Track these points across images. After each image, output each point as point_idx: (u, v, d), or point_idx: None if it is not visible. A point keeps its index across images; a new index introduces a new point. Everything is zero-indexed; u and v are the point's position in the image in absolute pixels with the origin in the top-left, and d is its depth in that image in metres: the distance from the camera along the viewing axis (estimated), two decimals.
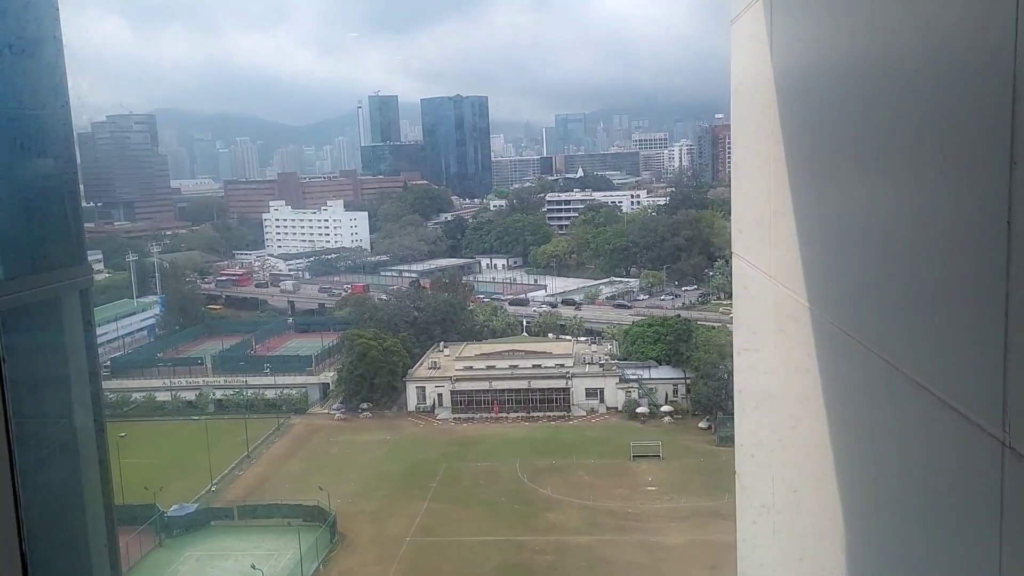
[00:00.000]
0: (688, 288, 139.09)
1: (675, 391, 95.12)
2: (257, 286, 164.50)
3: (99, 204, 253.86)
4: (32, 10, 5.43)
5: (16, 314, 5.57)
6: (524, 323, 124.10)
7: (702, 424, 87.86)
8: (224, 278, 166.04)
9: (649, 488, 74.83)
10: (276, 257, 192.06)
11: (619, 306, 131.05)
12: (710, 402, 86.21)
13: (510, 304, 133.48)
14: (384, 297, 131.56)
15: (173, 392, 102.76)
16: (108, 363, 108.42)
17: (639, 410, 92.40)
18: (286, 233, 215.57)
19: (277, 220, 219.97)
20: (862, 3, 3.07)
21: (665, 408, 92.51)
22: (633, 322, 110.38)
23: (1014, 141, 1.88)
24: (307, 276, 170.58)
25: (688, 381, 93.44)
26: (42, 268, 5.48)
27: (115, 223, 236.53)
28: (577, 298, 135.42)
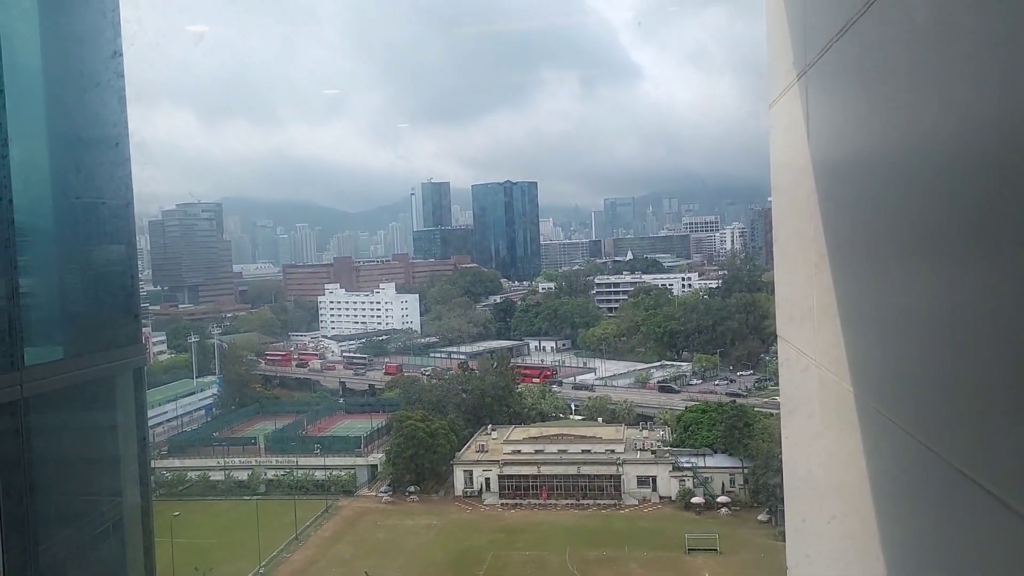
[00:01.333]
0: (743, 373, 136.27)
1: (732, 481, 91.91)
2: (298, 366, 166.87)
3: (166, 288, 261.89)
4: (104, 107, 5.80)
5: (73, 392, 5.76)
6: (573, 406, 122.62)
7: (762, 517, 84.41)
8: (268, 358, 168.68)
9: None
10: (329, 339, 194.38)
11: (670, 390, 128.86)
12: (770, 493, 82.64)
13: (573, 387, 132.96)
14: (431, 377, 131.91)
15: (226, 471, 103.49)
16: (167, 442, 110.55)
17: (694, 500, 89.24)
18: (340, 315, 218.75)
19: (332, 302, 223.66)
20: (896, 87, 3.11)
21: (722, 499, 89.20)
22: (686, 407, 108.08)
23: None
24: (358, 357, 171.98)
25: (746, 471, 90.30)
26: (99, 348, 5.70)
27: (179, 306, 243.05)
28: (627, 382, 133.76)
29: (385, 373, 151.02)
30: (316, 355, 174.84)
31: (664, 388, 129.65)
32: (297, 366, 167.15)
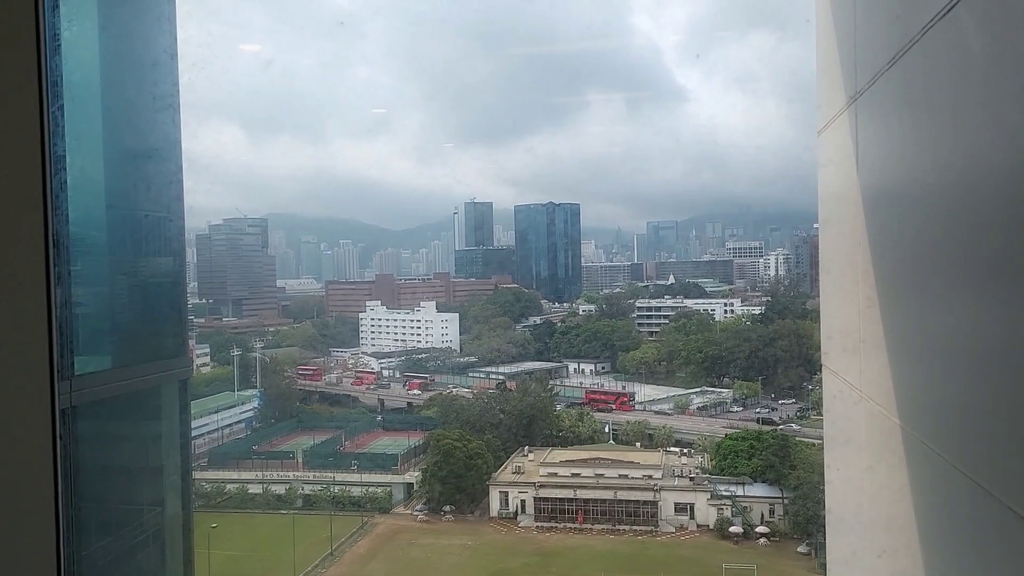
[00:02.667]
0: (785, 401, 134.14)
1: (771, 511, 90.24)
2: (327, 383, 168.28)
3: (210, 301, 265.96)
4: (158, 121, 5.98)
5: (120, 401, 5.90)
6: (610, 430, 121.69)
7: (801, 548, 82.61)
8: (300, 373, 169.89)
9: None
10: (369, 355, 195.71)
11: (711, 416, 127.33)
12: (811, 525, 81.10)
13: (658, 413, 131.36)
14: (467, 395, 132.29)
15: (264, 485, 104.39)
16: (207, 454, 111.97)
17: (732, 529, 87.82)
18: (380, 332, 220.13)
19: (372, 319, 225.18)
20: (948, 116, 3.06)
21: (761, 529, 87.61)
22: (726, 434, 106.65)
23: None
24: (396, 374, 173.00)
25: (786, 501, 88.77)
26: (146, 359, 5.83)
27: (223, 319, 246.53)
28: (666, 407, 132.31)
29: (408, 389, 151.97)
30: (341, 370, 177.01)
31: (710, 416, 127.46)
32: (326, 383, 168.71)
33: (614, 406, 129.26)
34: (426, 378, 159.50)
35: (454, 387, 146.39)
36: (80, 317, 5.06)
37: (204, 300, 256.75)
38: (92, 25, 5.32)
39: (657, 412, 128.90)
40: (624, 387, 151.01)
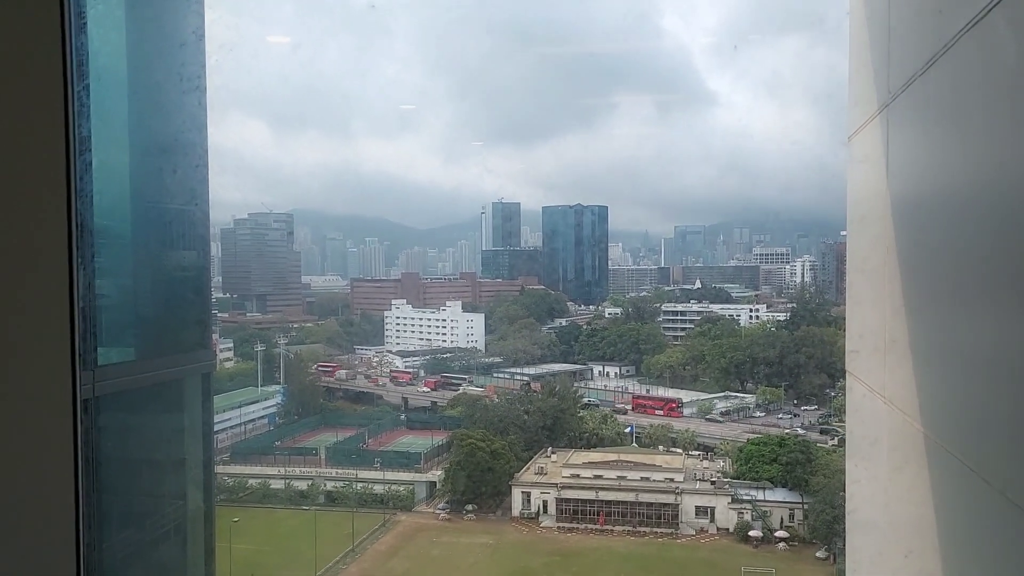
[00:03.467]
0: (807, 408, 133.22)
1: (791, 516, 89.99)
2: (338, 379, 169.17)
3: (234, 296, 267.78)
4: (185, 113, 6.01)
5: (142, 393, 5.93)
6: (633, 433, 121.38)
7: (820, 554, 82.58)
8: (320, 370, 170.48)
9: None
10: (394, 354, 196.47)
11: (733, 421, 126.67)
12: (830, 531, 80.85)
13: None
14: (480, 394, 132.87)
15: (287, 480, 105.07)
16: (229, 448, 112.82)
17: (752, 533, 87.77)
18: (405, 331, 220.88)
19: (398, 318, 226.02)
20: (980, 125, 3.01)
21: (780, 533, 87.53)
22: (748, 439, 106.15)
23: None
24: (421, 373, 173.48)
25: (806, 506, 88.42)
26: (169, 351, 5.85)
27: (247, 314, 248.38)
28: (690, 411, 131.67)
29: (424, 386, 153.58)
30: (366, 367, 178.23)
31: (733, 420, 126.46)
32: (351, 379, 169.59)
33: (662, 412, 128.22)
34: (438, 378, 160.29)
35: (465, 387, 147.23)
36: (103, 308, 5.10)
37: (228, 295, 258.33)
38: (119, 2, 5.35)
39: (709, 419, 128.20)
40: (648, 391, 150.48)
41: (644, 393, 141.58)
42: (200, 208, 5.43)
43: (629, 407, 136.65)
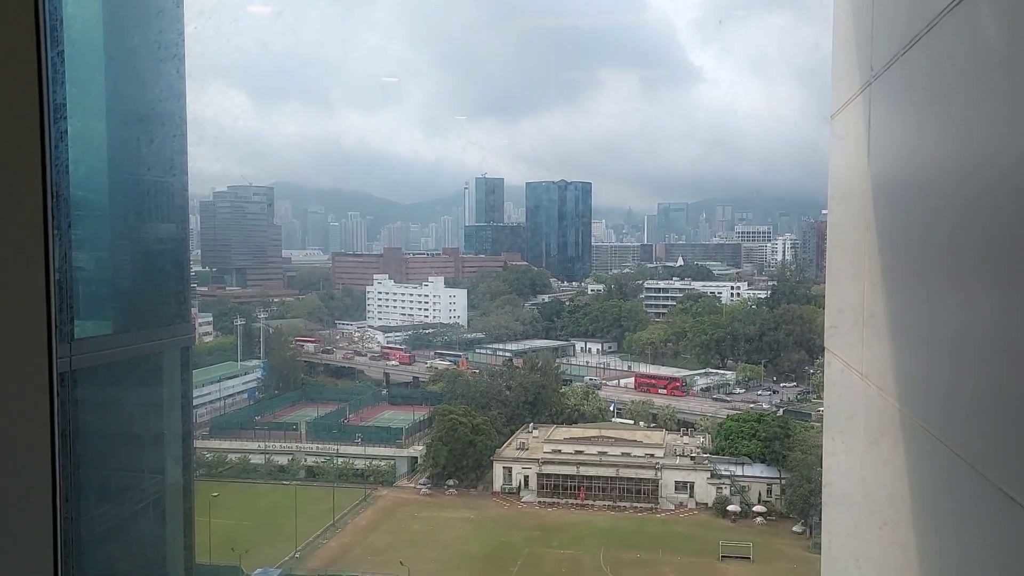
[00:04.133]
0: (787, 384, 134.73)
1: (769, 491, 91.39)
2: (324, 352, 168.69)
3: (214, 269, 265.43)
4: (163, 83, 5.90)
5: (120, 367, 5.88)
6: (614, 409, 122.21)
7: (796, 528, 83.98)
8: (299, 344, 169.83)
9: None
10: (376, 329, 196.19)
11: (715, 399, 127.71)
12: (806, 505, 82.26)
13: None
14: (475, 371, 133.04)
15: (267, 456, 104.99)
16: (209, 423, 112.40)
17: (730, 508, 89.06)
18: (387, 306, 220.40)
19: (380, 293, 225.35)
20: (963, 104, 3.02)
21: (758, 508, 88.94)
22: (728, 415, 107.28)
23: None
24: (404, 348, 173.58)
25: (783, 482, 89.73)
26: (147, 325, 5.80)
27: (227, 288, 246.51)
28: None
29: (399, 363, 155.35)
30: (347, 343, 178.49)
31: (715, 398, 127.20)
32: (323, 352, 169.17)
33: (665, 391, 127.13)
34: (412, 352, 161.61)
35: (432, 360, 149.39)
36: (80, 281, 5.03)
37: (207, 268, 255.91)
38: None
39: (716, 398, 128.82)
40: (630, 367, 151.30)
41: (646, 372, 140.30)
42: (179, 179, 5.36)
43: (611, 382, 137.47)
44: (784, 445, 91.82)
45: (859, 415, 4.62)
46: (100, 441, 4.80)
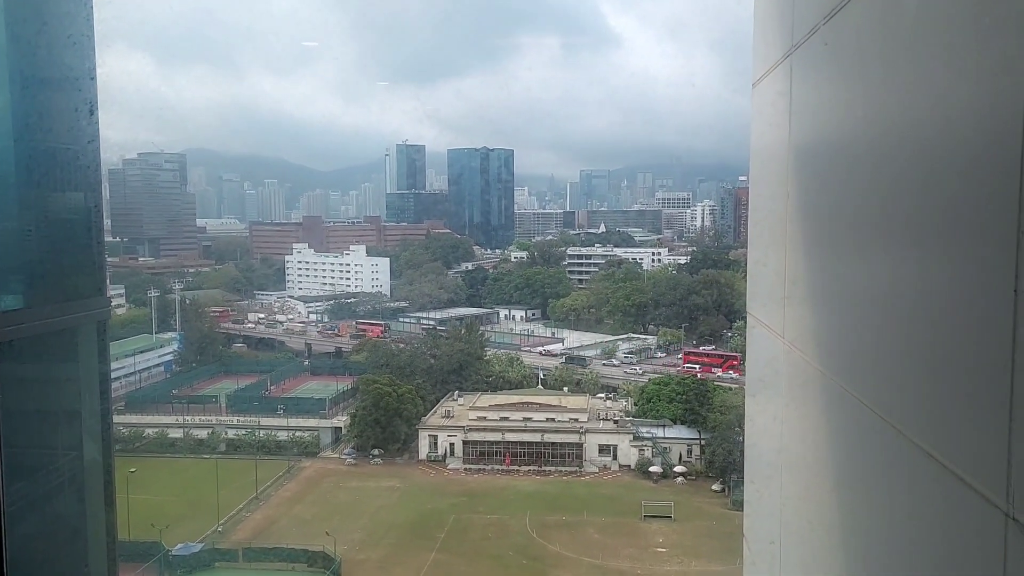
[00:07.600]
0: (706, 348, 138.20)
1: (689, 451, 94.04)
2: (234, 322, 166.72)
3: (125, 239, 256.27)
4: (70, 46, 5.55)
5: (33, 342, 5.61)
6: (540, 375, 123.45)
7: (716, 487, 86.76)
8: (213, 314, 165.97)
9: (659, 550, 73.48)
10: (296, 299, 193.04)
11: (636, 363, 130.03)
12: (725, 464, 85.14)
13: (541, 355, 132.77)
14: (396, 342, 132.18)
15: (186, 429, 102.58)
16: (124, 398, 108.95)
17: (652, 469, 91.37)
18: (308, 276, 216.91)
19: (299, 262, 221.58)
20: (878, 74, 3.10)
21: (679, 468, 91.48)
22: (649, 379, 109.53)
23: (1021, 211, 1.88)
24: (321, 319, 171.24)
25: (703, 442, 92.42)
26: (61, 298, 5.52)
27: (139, 259, 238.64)
28: (594, 353, 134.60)
29: (318, 333, 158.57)
30: (267, 314, 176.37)
31: (635, 362, 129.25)
32: (233, 322, 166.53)
33: (721, 370, 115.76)
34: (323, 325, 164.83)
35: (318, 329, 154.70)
36: None
37: (118, 239, 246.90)
38: None
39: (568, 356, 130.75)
40: (553, 334, 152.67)
41: (703, 351, 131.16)
42: (89, 149, 5.11)
43: (536, 349, 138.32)
44: (704, 406, 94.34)
45: (781, 380, 4.75)
46: (14, 419, 4.59)
